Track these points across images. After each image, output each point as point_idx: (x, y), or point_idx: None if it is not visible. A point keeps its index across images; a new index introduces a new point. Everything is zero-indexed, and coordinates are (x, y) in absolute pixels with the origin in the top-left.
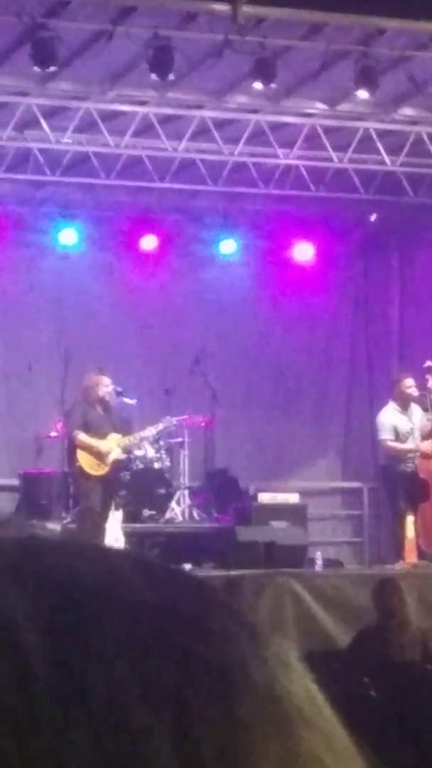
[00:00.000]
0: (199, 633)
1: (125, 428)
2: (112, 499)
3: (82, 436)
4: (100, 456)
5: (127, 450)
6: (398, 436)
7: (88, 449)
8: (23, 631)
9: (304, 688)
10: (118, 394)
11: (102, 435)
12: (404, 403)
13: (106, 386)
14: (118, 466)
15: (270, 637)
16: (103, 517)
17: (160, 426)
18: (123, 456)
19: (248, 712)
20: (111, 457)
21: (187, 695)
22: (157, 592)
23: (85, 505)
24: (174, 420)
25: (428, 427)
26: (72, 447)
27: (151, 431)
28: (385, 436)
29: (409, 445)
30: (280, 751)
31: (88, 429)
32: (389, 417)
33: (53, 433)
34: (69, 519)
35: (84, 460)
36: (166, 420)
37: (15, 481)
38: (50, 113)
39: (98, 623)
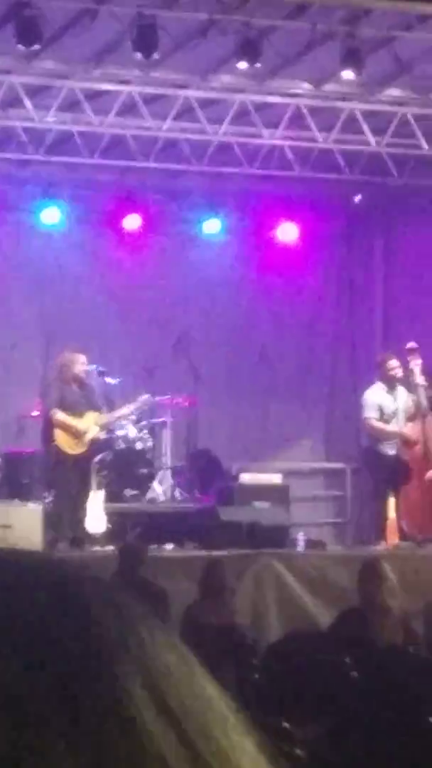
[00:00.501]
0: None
1: (108, 408)
2: (90, 478)
3: (60, 415)
4: (77, 434)
5: (104, 428)
6: (383, 416)
7: (65, 428)
8: None
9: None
10: (101, 373)
11: (79, 413)
12: (390, 384)
13: (82, 364)
14: (95, 444)
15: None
16: (82, 497)
17: (138, 403)
18: (101, 435)
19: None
20: (88, 436)
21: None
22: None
23: (62, 484)
24: (148, 396)
25: (413, 409)
26: (49, 425)
27: (129, 408)
28: (369, 414)
29: (392, 427)
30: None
31: (64, 407)
32: (375, 396)
33: (35, 413)
34: (50, 499)
35: (61, 438)
36: (143, 398)
37: None
38: (34, 92)
39: None
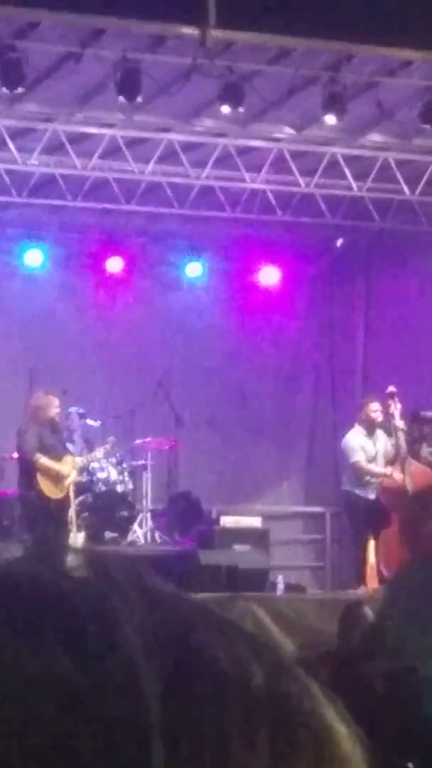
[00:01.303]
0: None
1: (88, 450)
2: (69, 521)
3: (44, 459)
4: (58, 479)
5: (80, 472)
6: (365, 459)
7: (48, 472)
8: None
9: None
10: (81, 416)
11: (57, 457)
12: (370, 427)
13: (56, 407)
14: (76, 487)
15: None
16: (63, 540)
17: (108, 445)
18: (80, 478)
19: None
20: (69, 480)
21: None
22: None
23: (43, 528)
24: (113, 439)
25: (392, 453)
26: (31, 470)
27: (100, 452)
28: (357, 457)
29: (380, 468)
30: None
31: (44, 451)
32: (357, 439)
33: (15, 455)
34: (30, 542)
35: (43, 483)
36: (111, 440)
37: None
38: (17, 134)
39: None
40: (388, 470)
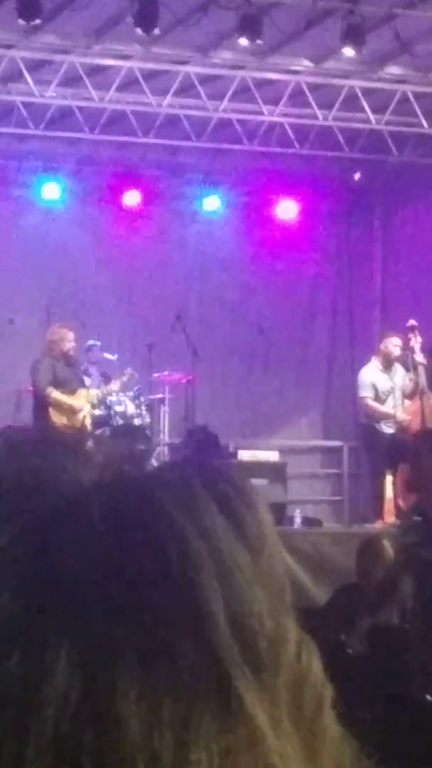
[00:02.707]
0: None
1: (105, 383)
2: None
3: (56, 394)
4: (72, 413)
5: (95, 405)
6: (377, 395)
7: (61, 406)
8: None
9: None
10: (98, 349)
11: (71, 391)
12: (387, 362)
13: (70, 341)
14: (95, 422)
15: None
16: None
17: (124, 378)
18: (96, 412)
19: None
20: (82, 414)
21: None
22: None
23: None
24: (132, 371)
25: (410, 387)
26: (44, 403)
27: (115, 384)
28: (365, 393)
29: (386, 407)
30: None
31: (57, 385)
32: (369, 375)
33: (31, 387)
34: None
35: (56, 417)
36: (128, 372)
37: None
38: (34, 66)
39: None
40: (392, 411)
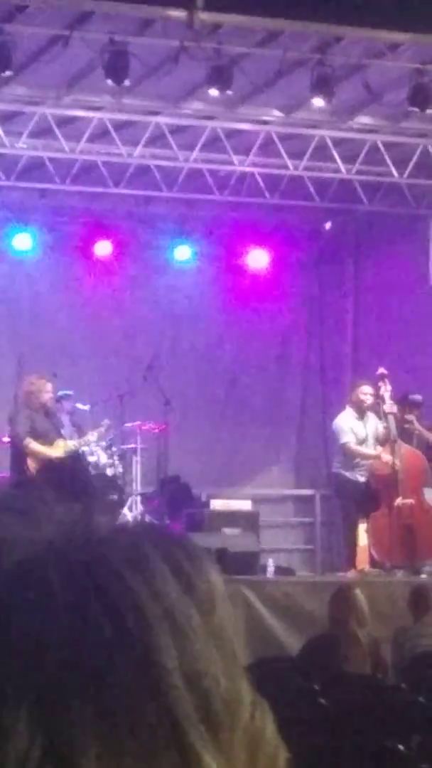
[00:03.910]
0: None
1: (78, 434)
2: None
3: (34, 444)
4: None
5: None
6: (355, 441)
7: (38, 457)
8: None
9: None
10: (68, 398)
11: (49, 442)
12: (360, 410)
13: (48, 392)
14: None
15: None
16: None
17: (101, 428)
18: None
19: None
20: None
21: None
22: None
23: None
24: (108, 422)
25: (383, 435)
26: (21, 454)
27: (93, 435)
28: (346, 439)
29: (370, 450)
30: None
31: (36, 436)
32: (347, 421)
33: (6, 439)
34: None
35: (33, 467)
36: (105, 423)
37: None
38: (5, 118)
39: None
40: (377, 451)
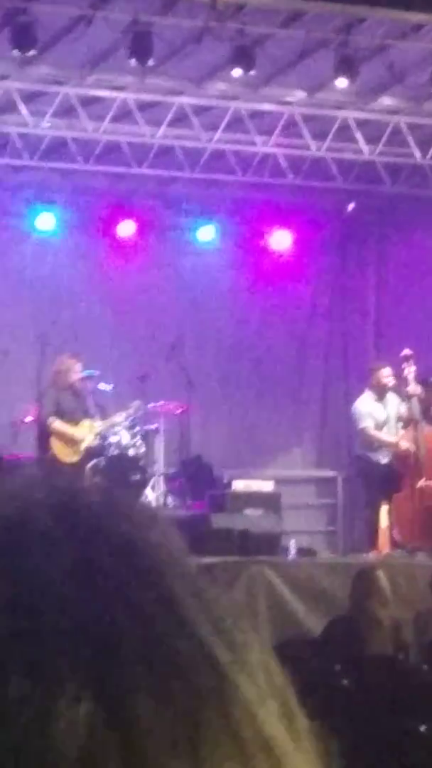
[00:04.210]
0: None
1: (100, 414)
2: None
3: (57, 423)
4: (73, 443)
5: (99, 436)
6: (374, 425)
7: (62, 436)
8: None
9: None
10: (92, 379)
11: (75, 421)
12: (380, 392)
13: (77, 372)
14: (90, 453)
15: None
16: None
17: (131, 410)
18: (96, 443)
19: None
20: (84, 445)
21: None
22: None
23: None
24: (140, 403)
25: (406, 414)
26: (45, 434)
27: (122, 415)
28: (365, 423)
29: (390, 437)
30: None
31: (61, 415)
32: (366, 405)
33: (29, 419)
34: None
35: (57, 447)
36: (135, 404)
37: None
38: (29, 97)
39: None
40: (396, 438)
